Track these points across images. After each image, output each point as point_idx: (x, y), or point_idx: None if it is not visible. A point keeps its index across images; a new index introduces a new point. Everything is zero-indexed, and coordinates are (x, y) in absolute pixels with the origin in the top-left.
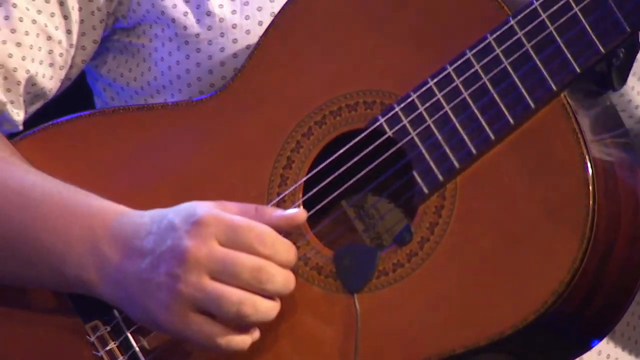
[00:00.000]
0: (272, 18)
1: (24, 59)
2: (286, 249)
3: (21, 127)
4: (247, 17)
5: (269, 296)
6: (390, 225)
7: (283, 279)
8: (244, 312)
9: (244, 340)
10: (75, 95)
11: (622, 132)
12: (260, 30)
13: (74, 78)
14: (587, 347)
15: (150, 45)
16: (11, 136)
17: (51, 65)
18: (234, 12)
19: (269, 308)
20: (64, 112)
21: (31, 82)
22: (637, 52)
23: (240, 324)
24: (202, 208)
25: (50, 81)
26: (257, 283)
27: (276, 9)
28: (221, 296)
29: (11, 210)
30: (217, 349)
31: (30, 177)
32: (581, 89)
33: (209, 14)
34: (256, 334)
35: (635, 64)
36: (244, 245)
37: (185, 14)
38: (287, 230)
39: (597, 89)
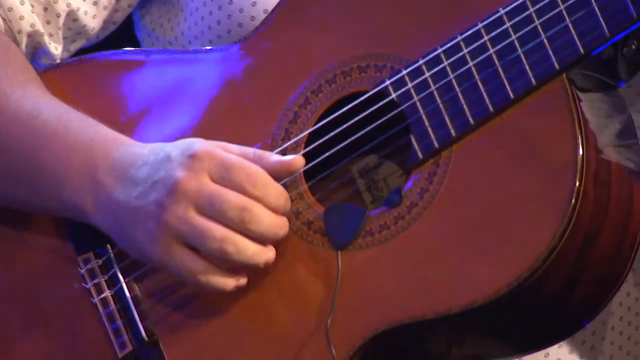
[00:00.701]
0: None
1: None
2: (277, 194)
3: (59, 61)
4: None
5: (256, 239)
6: (394, 186)
7: (269, 222)
8: (225, 250)
9: (224, 282)
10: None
11: (635, 143)
12: None
13: (119, 22)
14: (561, 337)
15: None
16: None
17: (95, 3)
18: None
19: (253, 250)
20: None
21: (72, 17)
22: None
23: (224, 264)
24: (199, 144)
25: (93, 20)
26: (242, 222)
27: None
28: (205, 231)
29: (21, 132)
30: (197, 284)
31: (42, 101)
32: (594, 81)
33: None
34: (242, 280)
35: None
36: (234, 184)
37: None
38: (283, 176)
39: (610, 83)
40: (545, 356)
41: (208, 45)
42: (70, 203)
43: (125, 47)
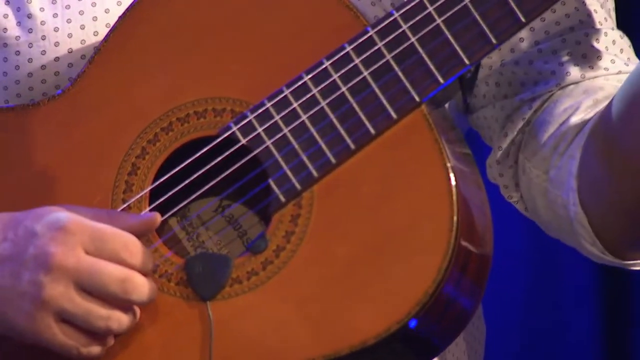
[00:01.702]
0: (93, 21)
1: None
2: (148, 257)
3: None
4: (68, 21)
5: (134, 306)
6: (220, 242)
7: (148, 289)
8: (110, 327)
9: (101, 349)
10: None
11: (459, 137)
12: (82, 34)
13: None
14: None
15: None
16: None
17: None
18: (55, 15)
19: (130, 321)
20: None
21: None
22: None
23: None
24: (64, 215)
25: None
26: (124, 294)
27: (98, 14)
28: (89, 311)
29: None
30: (77, 357)
31: None
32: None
33: (29, 16)
34: (111, 341)
35: None
36: (110, 254)
37: (6, 16)
38: (143, 235)
39: (441, 99)
40: None
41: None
42: None
43: None
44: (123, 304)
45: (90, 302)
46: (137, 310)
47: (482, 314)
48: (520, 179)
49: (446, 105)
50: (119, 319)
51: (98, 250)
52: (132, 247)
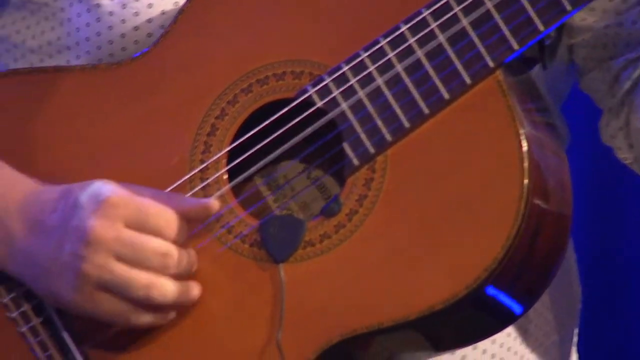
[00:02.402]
0: None
1: None
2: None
3: None
4: None
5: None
6: (304, 201)
7: (187, 262)
8: (151, 296)
9: (155, 318)
10: None
11: (543, 106)
12: None
13: None
14: (507, 325)
15: (54, 4)
16: None
17: None
18: None
19: (178, 292)
20: None
21: None
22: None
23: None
24: (109, 188)
25: None
26: (164, 268)
27: None
28: (129, 280)
29: None
30: (129, 325)
31: None
32: (516, 67)
33: None
34: (172, 314)
35: None
36: (153, 230)
37: None
38: (198, 219)
39: (523, 67)
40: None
41: (84, 56)
42: None
43: None
44: (164, 275)
45: (130, 272)
46: (187, 282)
47: (578, 283)
48: (632, 139)
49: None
50: (161, 289)
51: (140, 224)
52: (174, 223)
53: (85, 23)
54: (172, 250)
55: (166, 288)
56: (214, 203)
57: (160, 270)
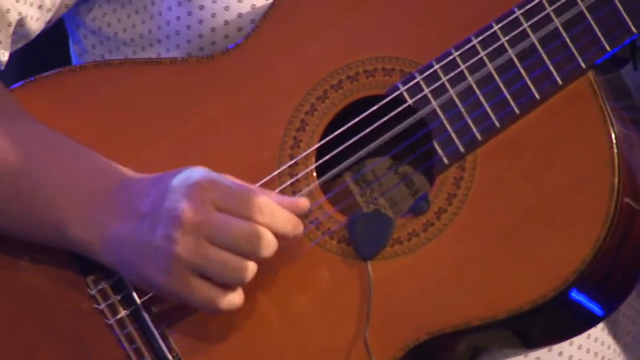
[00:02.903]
0: None
1: (17, 0)
2: (284, 219)
3: (3, 67)
4: None
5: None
6: (390, 196)
7: (274, 246)
8: (244, 278)
9: (241, 298)
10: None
11: (632, 104)
12: None
13: (54, 21)
14: (593, 324)
15: None
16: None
17: (40, 7)
18: None
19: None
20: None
21: (20, 23)
22: None
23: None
24: (199, 172)
25: (36, 23)
26: (253, 250)
27: None
28: (222, 262)
29: (13, 167)
30: (218, 311)
31: (31, 131)
32: (606, 68)
33: None
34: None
35: None
36: (242, 212)
37: None
38: None
39: (613, 66)
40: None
41: (174, 50)
42: (75, 240)
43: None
44: (253, 259)
45: (223, 255)
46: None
47: None
48: None
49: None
50: (253, 271)
51: (230, 207)
52: (265, 207)
53: (175, 16)
54: (262, 233)
55: (254, 270)
56: (304, 201)
57: (251, 253)
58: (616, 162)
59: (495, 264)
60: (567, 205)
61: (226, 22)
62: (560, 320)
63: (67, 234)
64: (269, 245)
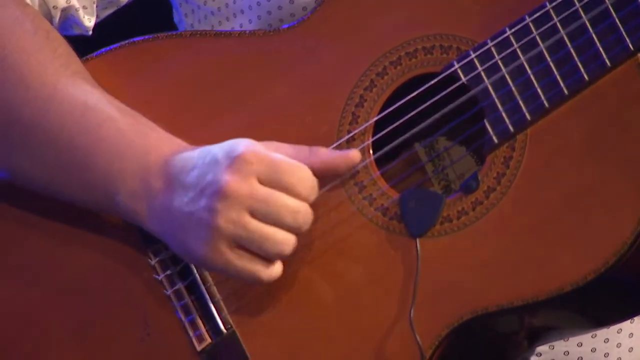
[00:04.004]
0: None
1: None
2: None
3: (90, 32)
4: None
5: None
6: (461, 172)
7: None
8: (284, 252)
9: (280, 269)
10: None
11: None
12: None
13: None
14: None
15: None
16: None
17: None
18: None
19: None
20: (143, 25)
21: None
22: None
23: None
24: (244, 144)
25: None
26: (296, 225)
27: None
28: (266, 237)
29: (72, 131)
30: (259, 283)
31: (93, 98)
32: None
33: None
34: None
35: None
36: (284, 186)
37: None
38: (340, 170)
39: None
40: (618, 332)
41: (255, 21)
42: (124, 207)
43: (153, 10)
44: (293, 232)
45: (264, 228)
46: None
47: None
48: None
49: None
50: (293, 245)
51: (273, 181)
52: (307, 180)
53: None
54: (304, 208)
55: (294, 244)
56: (354, 153)
57: (292, 227)
58: None
59: (539, 244)
60: (611, 188)
61: (291, 1)
62: (606, 302)
63: (116, 201)
64: (309, 218)
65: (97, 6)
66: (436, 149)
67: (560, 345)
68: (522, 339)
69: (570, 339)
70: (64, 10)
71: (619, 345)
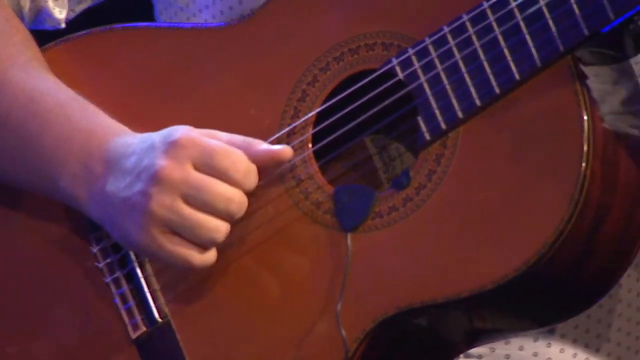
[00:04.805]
0: None
1: None
2: (254, 177)
3: (63, 25)
4: None
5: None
6: (407, 166)
7: (245, 206)
8: (217, 240)
9: (213, 256)
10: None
11: (628, 92)
12: None
13: None
14: (574, 313)
15: None
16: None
17: None
18: None
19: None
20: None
21: None
22: None
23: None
24: (181, 130)
25: None
26: (228, 213)
27: None
28: (197, 222)
29: (20, 116)
30: (192, 268)
31: (44, 85)
32: (600, 56)
33: None
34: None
35: None
36: (218, 171)
37: None
38: (270, 166)
39: (616, 55)
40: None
41: (218, 16)
42: (66, 192)
43: (133, 6)
44: (228, 220)
45: (196, 214)
46: None
47: None
48: None
49: None
50: (226, 232)
51: (207, 166)
52: (240, 165)
53: None
54: (238, 196)
55: (227, 231)
56: (286, 150)
57: (225, 214)
58: (585, 148)
59: (464, 242)
60: (537, 187)
61: None
62: (529, 304)
63: (59, 185)
64: (242, 206)
65: (69, 0)
66: (382, 144)
67: (501, 348)
68: (458, 338)
69: (512, 341)
70: (33, 1)
71: (562, 351)
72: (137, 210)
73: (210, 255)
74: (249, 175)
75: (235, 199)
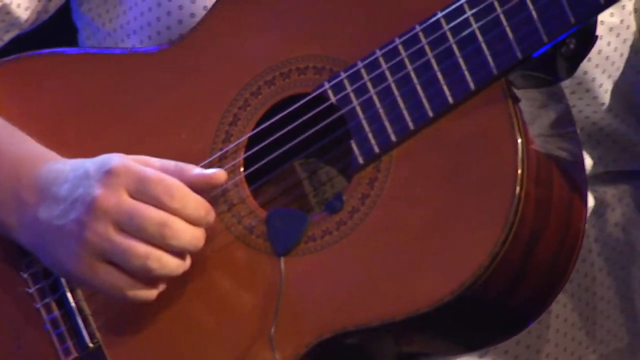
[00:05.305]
0: None
1: None
2: (196, 205)
3: None
4: None
5: (176, 252)
6: (338, 190)
7: (190, 236)
8: (149, 266)
9: (151, 292)
10: (62, 30)
11: (571, 131)
12: None
13: (52, 11)
14: (507, 336)
15: None
16: None
17: None
18: None
19: (175, 264)
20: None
21: (5, 10)
22: (591, 45)
23: (147, 277)
24: (116, 159)
25: (26, 12)
26: (162, 238)
27: None
28: (127, 249)
29: None
30: (124, 299)
31: None
32: (533, 80)
33: None
34: (162, 286)
35: (597, 56)
36: (152, 197)
37: None
38: (204, 190)
39: (548, 78)
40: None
41: (147, 41)
42: None
43: (61, 33)
44: (163, 247)
45: (128, 242)
46: (186, 257)
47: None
48: None
49: None
50: (160, 260)
51: (141, 193)
52: (175, 191)
53: (147, 8)
54: (171, 221)
55: (164, 260)
56: (220, 174)
57: (159, 241)
58: (519, 171)
59: (399, 265)
60: (471, 210)
61: (192, 15)
62: (461, 327)
63: None
64: (179, 233)
65: None
66: (312, 168)
67: None
68: None
69: None
70: None
71: None
72: (71, 238)
73: (145, 290)
74: (184, 200)
75: (169, 223)
